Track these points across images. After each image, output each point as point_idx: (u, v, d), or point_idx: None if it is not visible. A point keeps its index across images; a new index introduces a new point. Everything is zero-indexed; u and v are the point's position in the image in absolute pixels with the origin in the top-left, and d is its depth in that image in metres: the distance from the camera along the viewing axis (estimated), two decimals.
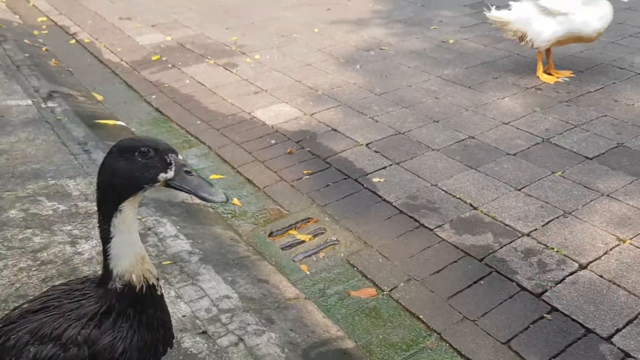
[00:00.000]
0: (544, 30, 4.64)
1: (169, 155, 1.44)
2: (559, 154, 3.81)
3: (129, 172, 1.41)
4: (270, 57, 5.81)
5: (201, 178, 1.48)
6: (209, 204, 3.32)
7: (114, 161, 1.43)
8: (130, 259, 1.48)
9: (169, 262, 2.68)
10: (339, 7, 7.46)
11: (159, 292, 1.57)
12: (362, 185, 3.59)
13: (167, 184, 1.45)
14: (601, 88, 4.72)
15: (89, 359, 1.45)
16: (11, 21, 7.09)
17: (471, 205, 3.33)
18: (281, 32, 6.59)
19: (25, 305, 1.56)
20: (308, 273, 2.87)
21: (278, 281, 2.71)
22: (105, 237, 1.47)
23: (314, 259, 2.97)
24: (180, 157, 1.47)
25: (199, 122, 4.54)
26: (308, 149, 4.05)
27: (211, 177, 3.78)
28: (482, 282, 2.77)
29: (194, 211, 3.24)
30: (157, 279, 1.57)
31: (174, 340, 1.67)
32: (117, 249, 1.47)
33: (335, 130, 4.30)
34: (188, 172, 1.45)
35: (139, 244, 1.51)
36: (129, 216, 1.46)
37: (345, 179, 3.68)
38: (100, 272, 1.54)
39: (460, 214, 3.25)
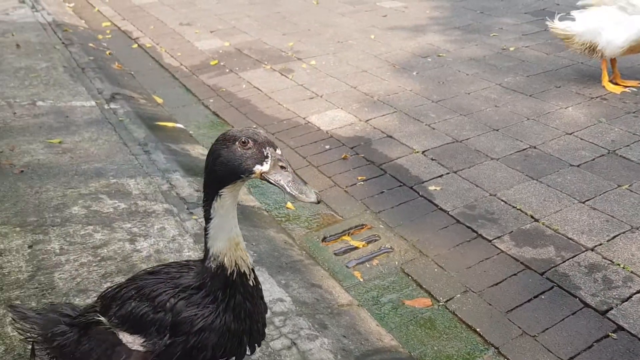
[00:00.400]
0: (616, 37, 4.43)
1: (267, 148, 1.47)
2: (625, 166, 3.64)
3: (228, 160, 1.47)
4: (326, 63, 5.82)
5: (296, 175, 1.50)
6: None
7: (217, 148, 1.50)
8: (224, 242, 1.55)
9: None
10: (395, 14, 7.41)
11: (250, 283, 1.60)
12: (418, 193, 3.53)
13: (262, 176, 1.48)
14: None
15: (170, 327, 1.54)
16: (77, 26, 7.38)
17: (532, 217, 3.21)
18: (337, 38, 6.59)
19: (149, 268, 1.73)
20: (361, 280, 2.83)
21: (331, 286, 2.68)
22: (207, 218, 1.57)
23: (368, 266, 2.93)
24: (278, 151, 1.49)
25: (254, 125, 4.58)
26: (363, 155, 4.01)
27: None
28: (543, 296, 2.66)
29: (248, 213, 3.26)
30: (251, 269, 1.61)
31: (262, 340, 1.70)
32: (214, 230, 1.55)
33: (390, 136, 4.25)
34: (283, 167, 1.48)
35: (235, 230, 1.57)
36: (227, 202, 1.53)
37: (400, 186, 3.62)
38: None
39: (521, 226, 3.14)
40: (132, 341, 1.58)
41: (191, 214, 3.10)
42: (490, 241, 3.04)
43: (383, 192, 3.57)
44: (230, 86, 5.40)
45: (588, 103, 4.55)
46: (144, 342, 1.56)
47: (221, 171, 1.48)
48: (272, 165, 1.46)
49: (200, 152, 4.10)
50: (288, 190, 1.46)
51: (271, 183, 1.49)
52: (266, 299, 2.44)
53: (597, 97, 4.63)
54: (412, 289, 2.78)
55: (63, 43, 6.35)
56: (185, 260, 1.74)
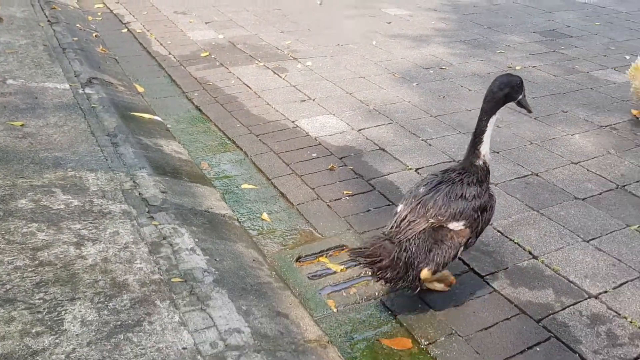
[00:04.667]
0: None
1: (523, 87, 2.42)
2: (635, 204, 3.34)
3: (510, 91, 2.37)
4: (323, 65, 5.50)
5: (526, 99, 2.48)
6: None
7: (506, 81, 2.38)
8: (488, 146, 2.43)
9: (179, 279, 2.36)
10: (400, 22, 7.11)
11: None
12: None
13: (518, 102, 2.44)
14: None
15: (479, 207, 2.40)
16: (67, 5, 7.02)
17: (530, 253, 2.90)
18: (337, 40, 6.28)
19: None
20: (335, 311, 2.50)
21: (299, 317, 2.35)
22: (481, 130, 2.39)
23: (344, 294, 2.59)
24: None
25: (238, 125, 4.24)
26: (351, 167, 3.69)
27: (242, 186, 3.47)
28: (538, 348, 2.33)
29: (217, 223, 2.92)
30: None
31: None
32: (486, 138, 2.39)
33: (383, 149, 3.93)
34: (524, 96, 2.44)
35: (490, 141, 2.44)
36: (494, 119, 2.39)
37: (388, 205, 3.30)
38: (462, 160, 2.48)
39: (517, 262, 2.82)
40: (457, 225, 2.35)
41: (151, 219, 2.76)
42: (482, 277, 2.72)
43: (369, 210, 3.25)
44: (219, 80, 5.06)
45: (597, 132, 4.25)
46: (464, 223, 2.36)
47: (501, 97, 2.36)
48: (523, 95, 2.43)
49: (174, 149, 3.76)
50: (530, 110, 2.53)
51: (522, 106, 2.46)
52: (221, 329, 2.11)
53: (606, 126, 4.34)
54: (392, 326, 2.45)
55: (49, 21, 6.00)
56: (453, 167, 2.49)
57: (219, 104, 4.60)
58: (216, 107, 4.53)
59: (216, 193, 3.32)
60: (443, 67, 5.56)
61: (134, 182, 3.08)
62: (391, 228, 2.38)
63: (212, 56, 5.65)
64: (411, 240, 2.33)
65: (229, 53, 5.75)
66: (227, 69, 5.34)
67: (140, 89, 4.85)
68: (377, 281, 2.43)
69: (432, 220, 2.33)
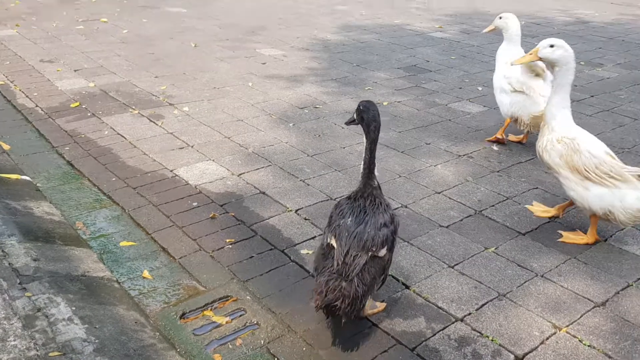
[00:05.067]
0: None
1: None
2: (492, 227, 3.71)
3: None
4: (200, 110, 5.55)
5: None
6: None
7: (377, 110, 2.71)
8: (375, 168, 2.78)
9: (57, 353, 2.29)
10: (275, 62, 7.34)
11: None
12: (289, 257, 3.33)
13: None
14: (531, 159, 4.73)
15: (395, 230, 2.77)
16: None
17: (404, 283, 3.12)
18: (213, 84, 6.36)
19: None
20: None
21: None
22: (374, 155, 2.73)
23: (230, 347, 2.64)
24: None
25: (114, 179, 4.17)
26: (233, 214, 3.76)
27: (121, 244, 3.41)
28: None
29: (95, 287, 2.86)
30: None
31: None
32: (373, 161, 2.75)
33: (263, 193, 4.05)
34: None
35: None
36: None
37: (271, 249, 3.40)
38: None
39: (392, 294, 3.03)
40: (383, 251, 2.65)
41: (24, 290, 2.65)
42: None
43: (252, 256, 3.33)
44: (91, 132, 4.94)
45: (456, 161, 4.67)
46: (387, 247, 2.65)
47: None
48: None
49: (45, 210, 3.62)
50: None
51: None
52: None
53: (464, 155, 4.77)
54: None
55: None
56: (357, 192, 2.75)
57: (93, 157, 4.49)
58: (89, 161, 4.42)
59: (93, 254, 3.23)
60: (317, 106, 5.83)
61: (2, 251, 2.93)
62: (337, 265, 2.51)
63: (83, 106, 5.50)
64: (360, 274, 2.50)
65: (101, 102, 5.63)
66: (100, 119, 5.23)
67: (6, 147, 4.60)
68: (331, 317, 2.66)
69: (370, 253, 2.54)
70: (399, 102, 6.00)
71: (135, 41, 8.00)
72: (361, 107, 2.71)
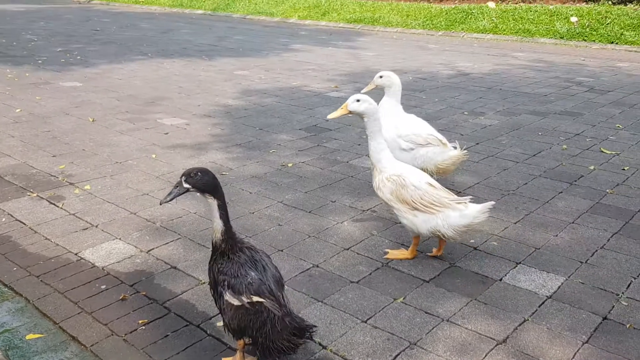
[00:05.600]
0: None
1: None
2: (398, 278, 3.91)
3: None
4: (103, 187, 5.46)
5: None
6: None
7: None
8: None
9: None
10: (177, 132, 7.39)
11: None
12: (206, 332, 3.33)
13: None
14: None
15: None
16: None
17: (320, 344, 3.21)
18: (115, 158, 6.29)
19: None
20: None
21: None
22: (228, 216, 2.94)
23: None
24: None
25: (15, 268, 3.99)
26: (144, 293, 3.71)
27: (27, 337, 3.26)
28: None
29: None
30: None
31: None
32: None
33: (175, 267, 4.03)
34: None
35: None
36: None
37: (186, 325, 3.39)
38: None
39: (310, 356, 3.11)
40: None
41: None
42: None
43: (167, 335, 3.30)
44: None
45: (361, 216, 4.90)
46: None
47: None
48: None
49: None
50: None
51: None
52: None
53: (367, 210, 5.02)
54: None
55: None
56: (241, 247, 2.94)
57: None
58: None
59: (1, 351, 3.07)
60: (223, 172, 5.91)
61: None
62: (280, 310, 2.81)
63: None
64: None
65: None
66: None
67: None
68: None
69: (284, 287, 2.99)
70: (302, 162, 6.22)
71: (29, 120, 7.77)
72: (197, 177, 2.82)
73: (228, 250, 2.88)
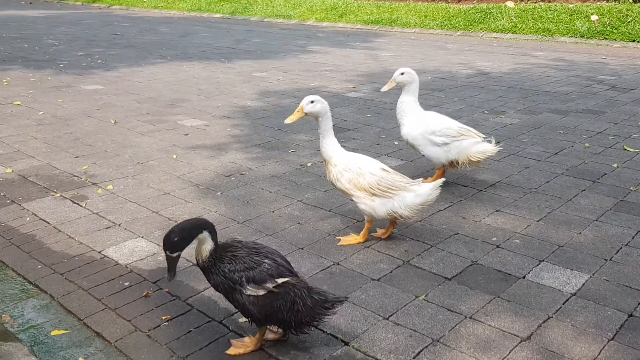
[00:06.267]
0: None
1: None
2: (419, 275, 3.89)
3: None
4: (125, 187, 5.52)
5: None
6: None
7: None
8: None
9: None
10: (197, 132, 7.44)
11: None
12: (228, 328, 3.34)
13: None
14: (449, 206, 5.03)
15: None
16: None
17: (343, 340, 3.21)
18: (137, 159, 6.36)
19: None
20: None
21: None
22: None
23: None
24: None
25: (39, 266, 4.05)
26: (167, 290, 3.74)
27: (52, 333, 3.30)
28: None
29: None
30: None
31: None
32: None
33: (197, 265, 4.05)
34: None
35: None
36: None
37: (209, 322, 3.40)
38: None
39: (332, 352, 3.10)
40: None
41: None
42: None
43: (190, 331, 3.32)
44: (11, 220, 4.79)
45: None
46: None
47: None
48: None
49: None
50: None
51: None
52: None
53: None
54: None
55: None
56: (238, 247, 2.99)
57: (15, 246, 4.35)
58: (12, 251, 4.27)
59: (23, 348, 3.12)
60: (243, 172, 5.94)
61: None
62: (301, 281, 3.00)
63: (1, 194, 5.34)
64: None
65: (20, 188, 5.49)
66: (20, 205, 5.09)
67: None
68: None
69: None
70: (322, 162, 6.22)
71: (52, 122, 7.89)
72: (175, 240, 2.83)
73: (215, 258, 2.94)
